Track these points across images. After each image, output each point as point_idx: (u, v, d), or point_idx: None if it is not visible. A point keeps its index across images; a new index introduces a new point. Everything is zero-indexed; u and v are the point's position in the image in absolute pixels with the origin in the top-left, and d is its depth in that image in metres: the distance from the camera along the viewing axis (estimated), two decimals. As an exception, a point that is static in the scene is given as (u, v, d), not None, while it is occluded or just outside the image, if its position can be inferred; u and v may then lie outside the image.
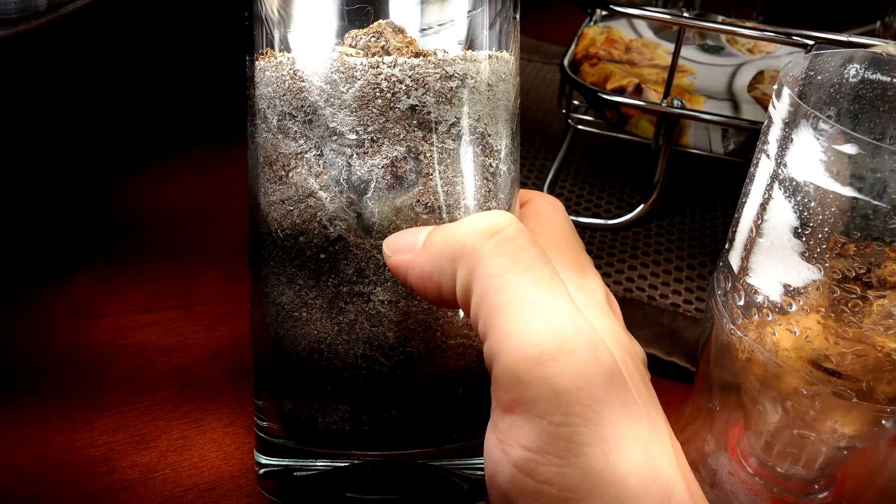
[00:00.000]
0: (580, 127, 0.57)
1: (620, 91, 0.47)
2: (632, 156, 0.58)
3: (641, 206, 0.49)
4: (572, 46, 0.52)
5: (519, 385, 0.20)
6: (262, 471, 0.30)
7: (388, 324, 0.26)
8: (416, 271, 0.23)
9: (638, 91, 0.47)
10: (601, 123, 0.55)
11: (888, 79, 0.26)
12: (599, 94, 0.46)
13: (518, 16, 0.28)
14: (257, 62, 0.26)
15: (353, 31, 0.25)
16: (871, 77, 0.26)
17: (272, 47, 0.26)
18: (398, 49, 0.25)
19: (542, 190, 0.52)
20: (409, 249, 0.24)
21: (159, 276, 0.44)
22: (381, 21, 0.25)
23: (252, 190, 0.28)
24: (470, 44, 0.26)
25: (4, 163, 0.44)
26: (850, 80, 0.26)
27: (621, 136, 0.53)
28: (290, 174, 0.25)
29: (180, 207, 0.51)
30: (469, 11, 0.26)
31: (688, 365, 0.40)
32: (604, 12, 0.57)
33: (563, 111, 0.52)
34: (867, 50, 0.26)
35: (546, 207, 0.29)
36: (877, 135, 0.27)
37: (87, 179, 0.51)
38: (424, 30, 0.26)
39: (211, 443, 0.34)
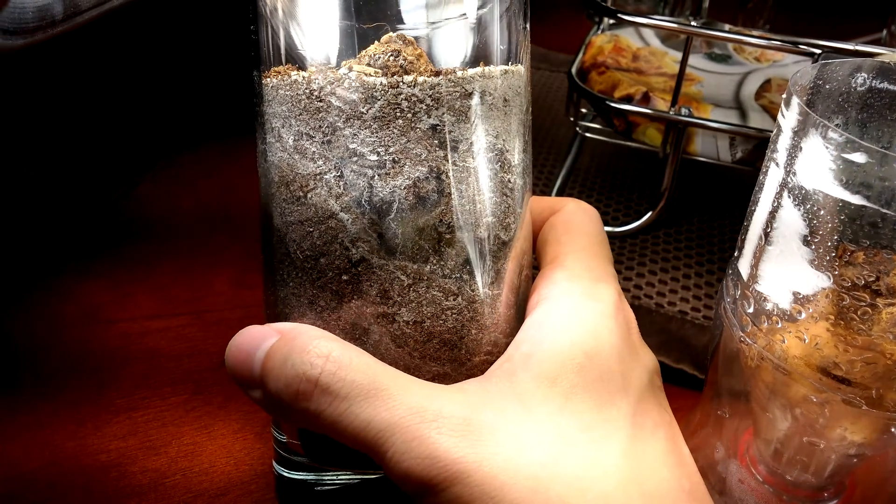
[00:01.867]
0: (588, 135, 0.57)
1: (628, 99, 0.47)
2: (639, 164, 0.58)
3: (649, 214, 0.49)
4: (580, 55, 0.53)
5: None
6: (280, 484, 0.30)
7: (414, 344, 0.26)
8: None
9: (646, 99, 0.47)
10: (609, 131, 0.55)
11: (896, 87, 0.26)
12: (608, 102, 0.46)
13: (528, 26, 0.28)
14: (267, 79, 0.26)
15: (371, 49, 0.25)
16: (878, 86, 0.26)
17: (281, 63, 0.26)
18: (412, 63, 0.24)
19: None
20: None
21: (169, 282, 0.44)
22: (390, 35, 0.25)
23: (266, 208, 0.27)
24: (479, 54, 0.26)
25: (17, 169, 0.44)
26: (858, 89, 0.26)
27: (629, 144, 0.53)
28: (309, 195, 0.25)
29: (190, 213, 0.51)
30: (482, 23, 0.26)
31: (696, 372, 0.40)
32: (611, 21, 0.57)
33: (571, 119, 0.53)
34: (875, 59, 0.26)
35: (579, 215, 0.29)
36: (884, 143, 0.27)
37: (98, 185, 0.51)
38: (434, 24, 0.26)
39: (221, 449, 0.34)
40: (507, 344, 0.27)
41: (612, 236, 0.50)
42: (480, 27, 0.26)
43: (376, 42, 0.25)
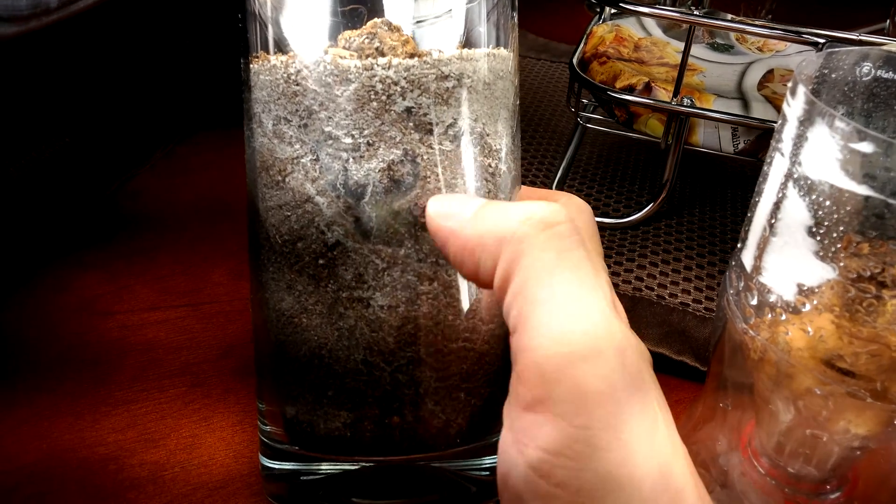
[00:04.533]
0: (589, 125, 0.57)
1: (630, 90, 0.47)
2: (641, 154, 0.58)
3: (650, 205, 0.49)
4: (581, 45, 0.52)
5: (544, 383, 0.20)
6: (266, 474, 0.30)
7: (388, 329, 0.25)
8: (459, 242, 0.23)
9: (648, 90, 0.47)
10: (610, 122, 0.54)
11: (902, 77, 0.26)
12: (609, 92, 0.46)
13: (516, 11, 0.28)
14: (252, 65, 0.26)
15: (347, 33, 0.24)
16: (884, 76, 0.26)
17: (266, 49, 0.26)
18: (393, 49, 0.24)
19: (550, 189, 0.52)
20: (455, 217, 0.23)
21: (167, 273, 0.44)
22: (375, 20, 0.24)
23: (250, 195, 0.27)
24: (466, 41, 0.26)
25: (12, 160, 0.44)
26: (864, 78, 0.26)
27: (630, 134, 0.53)
28: (287, 179, 0.25)
29: (188, 205, 0.51)
30: (466, 4, 0.26)
31: (697, 364, 0.39)
32: (612, 11, 0.57)
33: (573, 109, 0.52)
34: (882, 48, 0.26)
35: (571, 210, 0.29)
36: (889, 133, 0.26)
37: (95, 177, 0.51)
38: (420, 21, 0.25)
39: (220, 441, 0.34)
40: (487, 331, 0.27)
41: (612, 227, 0.49)
42: (468, 20, 0.26)
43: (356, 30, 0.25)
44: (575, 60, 0.49)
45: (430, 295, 0.25)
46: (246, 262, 0.45)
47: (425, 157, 0.24)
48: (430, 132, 0.24)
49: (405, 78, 0.24)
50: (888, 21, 0.65)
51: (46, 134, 0.45)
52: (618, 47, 0.52)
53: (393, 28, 0.24)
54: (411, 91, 0.24)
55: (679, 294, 0.44)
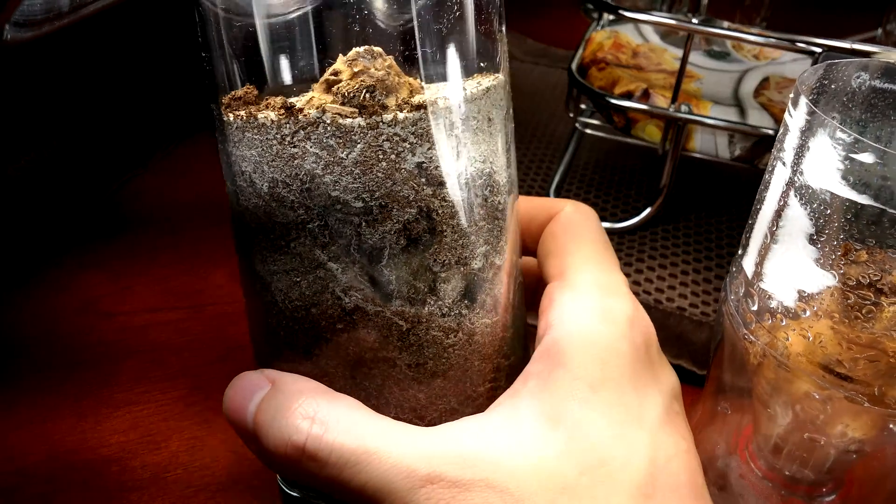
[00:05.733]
0: (587, 131, 0.57)
1: (628, 96, 0.47)
2: (638, 160, 0.58)
3: (648, 210, 0.49)
4: (580, 51, 0.53)
5: None
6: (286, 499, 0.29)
7: (418, 386, 0.25)
8: None
9: (646, 96, 0.47)
10: (608, 127, 0.55)
11: (899, 87, 0.26)
12: (608, 98, 0.46)
13: (504, 28, 0.26)
14: (229, 116, 0.23)
15: (337, 68, 0.22)
16: (882, 86, 0.26)
17: (235, 86, 0.24)
18: (388, 86, 0.22)
19: (548, 193, 0.52)
20: None
21: (169, 275, 0.44)
22: (357, 49, 0.22)
23: (243, 251, 0.25)
24: (464, 69, 0.24)
25: (12, 160, 0.44)
26: (862, 88, 0.26)
27: (628, 140, 0.53)
28: (292, 244, 0.23)
29: (189, 205, 0.51)
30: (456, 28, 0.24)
31: (695, 368, 0.40)
32: (611, 17, 0.57)
33: (571, 115, 0.53)
34: (882, 59, 0.26)
35: (579, 220, 0.28)
36: (885, 143, 0.27)
37: (97, 178, 0.51)
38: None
39: (222, 444, 0.34)
40: (509, 366, 0.26)
41: (610, 232, 0.50)
42: (455, 32, 0.24)
43: (340, 58, 0.23)
44: (573, 66, 0.50)
45: (456, 346, 0.25)
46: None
47: (440, 211, 0.23)
48: (442, 184, 0.23)
49: (413, 133, 0.22)
50: (879, 29, 0.66)
51: (47, 134, 0.45)
52: (616, 53, 0.53)
53: (376, 55, 0.23)
54: (420, 145, 0.22)
55: (676, 298, 0.44)
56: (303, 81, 0.23)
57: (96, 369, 0.38)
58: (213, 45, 0.23)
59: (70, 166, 0.49)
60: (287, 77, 0.23)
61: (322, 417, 0.22)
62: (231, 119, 0.23)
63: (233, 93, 0.23)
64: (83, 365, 0.38)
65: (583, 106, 0.56)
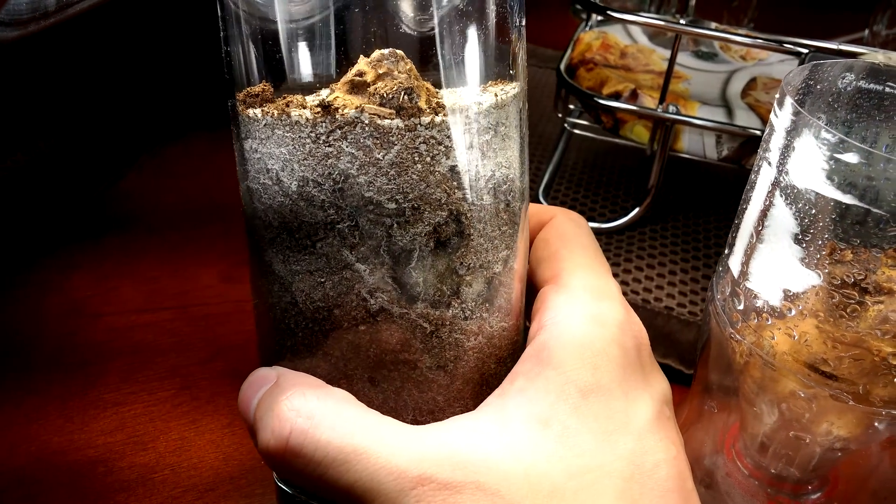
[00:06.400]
0: (575, 131, 0.57)
1: (616, 96, 0.48)
2: (626, 160, 0.58)
3: (636, 210, 0.50)
4: (568, 51, 0.53)
5: None
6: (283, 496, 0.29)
7: (437, 388, 0.25)
8: None
9: (634, 96, 0.47)
10: (596, 128, 0.55)
11: (883, 88, 0.26)
12: (596, 99, 0.46)
13: (525, 37, 0.26)
14: (251, 111, 0.23)
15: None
16: (867, 87, 0.27)
17: (252, 81, 0.23)
18: (420, 92, 0.22)
19: (537, 194, 0.52)
20: None
21: (156, 276, 0.44)
22: (381, 51, 0.22)
23: (260, 251, 0.25)
24: (492, 76, 0.24)
25: (2, 162, 0.43)
26: (848, 89, 0.27)
27: (616, 140, 0.53)
28: (319, 244, 0.23)
29: (176, 206, 0.50)
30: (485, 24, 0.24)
31: (682, 367, 0.40)
32: (599, 18, 0.57)
33: (559, 115, 0.53)
34: (866, 60, 0.27)
35: (570, 227, 0.28)
36: (870, 143, 0.27)
37: (83, 178, 0.51)
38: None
39: (209, 444, 0.34)
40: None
41: (598, 232, 0.50)
42: (484, 28, 0.24)
43: (363, 59, 0.23)
44: (562, 66, 0.50)
45: (476, 349, 0.25)
46: (235, 266, 0.46)
47: (468, 215, 0.23)
48: (472, 188, 0.23)
49: (448, 136, 0.22)
50: (866, 30, 0.67)
51: (34, 135, 0.45)
52: (604, 54, 0.53)
53: (398, 58, 0.23)
54: (454, 149, 0.23)
55: (664, 298, 0.45)
56: (320, 81, 0.23)
57: (83, 370, 0.37)
58: (233, 41, 0.23)
59: (57, 167, 0.49)
60: (306, 75, 0.23)
61: (308, 411, 0.22)
62: (258, 115, 0.23)
63: (248, 89, 0.23)
64: (70, 365, 0.38)
65: (571, 106, 0.56)
